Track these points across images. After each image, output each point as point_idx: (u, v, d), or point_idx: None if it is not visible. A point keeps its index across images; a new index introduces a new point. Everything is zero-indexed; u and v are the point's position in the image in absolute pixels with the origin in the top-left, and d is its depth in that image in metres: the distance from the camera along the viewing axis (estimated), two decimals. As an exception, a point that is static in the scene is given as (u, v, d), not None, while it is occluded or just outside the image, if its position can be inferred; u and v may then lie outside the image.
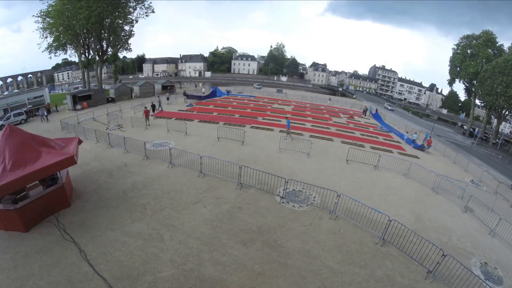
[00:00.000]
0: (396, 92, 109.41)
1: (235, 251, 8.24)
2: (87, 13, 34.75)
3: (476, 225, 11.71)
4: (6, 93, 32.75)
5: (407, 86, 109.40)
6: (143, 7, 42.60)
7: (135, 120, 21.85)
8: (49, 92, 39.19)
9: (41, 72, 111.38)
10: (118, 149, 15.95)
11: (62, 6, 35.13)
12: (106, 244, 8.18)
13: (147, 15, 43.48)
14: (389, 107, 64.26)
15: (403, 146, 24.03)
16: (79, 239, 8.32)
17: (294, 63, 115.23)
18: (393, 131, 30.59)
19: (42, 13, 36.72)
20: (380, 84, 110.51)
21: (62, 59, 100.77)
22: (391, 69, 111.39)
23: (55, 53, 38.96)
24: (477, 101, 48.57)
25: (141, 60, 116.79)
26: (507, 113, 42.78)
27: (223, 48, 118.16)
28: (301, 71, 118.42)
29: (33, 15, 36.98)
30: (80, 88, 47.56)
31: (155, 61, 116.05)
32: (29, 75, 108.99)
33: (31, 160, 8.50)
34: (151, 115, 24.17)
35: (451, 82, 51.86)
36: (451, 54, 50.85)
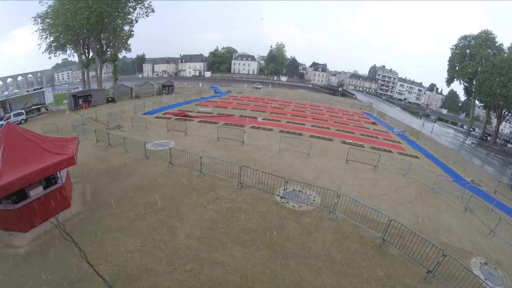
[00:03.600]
0: (396, 92, 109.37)
1: (235, 251, 8.24)
2: (87, 13, 34.76)
3: (476, 225, 11.71)
4: (6, 93, 32.71)
5: (407, 86, 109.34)
6: (143, 7, 42.61)
7: (135, 120, 21.86)
8: (53, 91, 39.30)
9: (41, 72, 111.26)
10: (118, 149, 15.95)
11: (62, 6, 35.14)
12: (106, 244, 8.18)
13: (147, 15, 43.52)
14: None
15: (403, 146, 24.06)
16: (79, 239, 8.31)
17: (294, 63, 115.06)
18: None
19: (41, 14, 36.71)
20: (380, 84, 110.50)
21: (62, 59, 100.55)
22: (391, 69, 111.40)
23: (55, 53, 39.01)
24: (477, 101, 48.51)
25: (141, 60, 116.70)
26: (507, 113, 42.73)
27: (223, 48, 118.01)
28: (301, 71, 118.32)
29: (32, 17, 37.00)
30: (80, 88, 47.53)
31: (155, 61, 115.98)
32: (29, 75, 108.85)
33: (31, 160, 8.49)
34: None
35: (449, 81, 51.78)
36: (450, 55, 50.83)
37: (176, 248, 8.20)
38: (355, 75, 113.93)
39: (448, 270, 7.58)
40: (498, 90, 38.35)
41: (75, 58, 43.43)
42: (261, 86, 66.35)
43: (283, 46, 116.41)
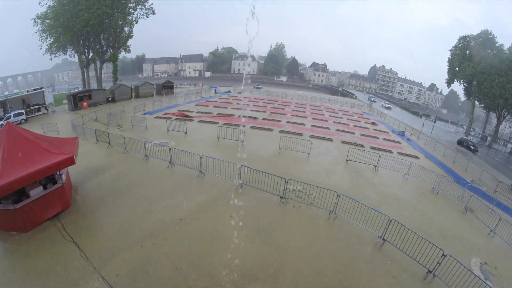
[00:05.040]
0: (396, 92, 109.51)
1: (235, 251, 8.23)
2: (87, 15, 34.80)
3: (476, 225, 11.71)
4: (6, 93, 32.68)
5: (407, 86, 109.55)
6: (143, 7, 42.57)
7: (135, 120, 21.87)
8: (53, 91, 39.22)
9: (41, 72, 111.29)
10: (118, 149, 15.95)
11: (61, 7, 35.14)
12: (106, 244, 8.18)
13: (147, 16, 43.48)
14: (386, 105, 66.37)
15: (403, 146, 24.08)
16: (78, 239, 8.32)
17: (294, 63, 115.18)
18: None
19: (40, 15, 36.65)
20: (380, 84, 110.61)
21: (62, 59, 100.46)
22: (391, 69, 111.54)
23: (55, 54, 38.98)
24: (477, 102, 48.50)
25: (141, 60, 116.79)
26: (506, 113, 42.68)
27: (223, 48, 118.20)
28: (301, 71, 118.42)
29: (32, 18, 36.85)
30: (80, 88, 47.51)
31: (155, 61, 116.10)
32: (29, 75, 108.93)
33: (31, 160, 8.49)
34: None
35: (449, 82, 51.78)
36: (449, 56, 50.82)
37: (176, 248, 8.20)
38: (355, 75, 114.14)
39: (448, 270, 7.57)
40: (498, 91, 38.29)
41: (75, 58, 43.40)
42: (261, 86, 66.47)
43: (283, 46, 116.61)
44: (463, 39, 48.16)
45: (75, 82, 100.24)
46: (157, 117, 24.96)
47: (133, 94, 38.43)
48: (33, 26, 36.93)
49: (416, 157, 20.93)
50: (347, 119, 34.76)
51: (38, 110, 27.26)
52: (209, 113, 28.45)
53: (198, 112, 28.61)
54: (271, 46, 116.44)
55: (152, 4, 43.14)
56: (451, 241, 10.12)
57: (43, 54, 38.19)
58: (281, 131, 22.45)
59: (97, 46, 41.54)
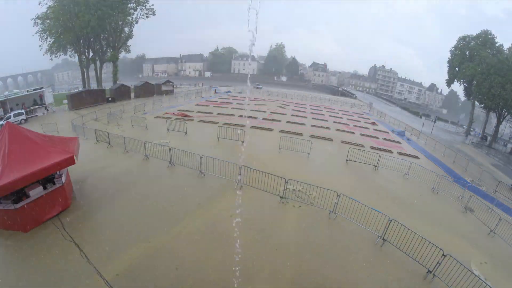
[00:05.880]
0: (396, 92, 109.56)
1: (235, 252, 8.22)
2: (88, 16, 34.86)
3: (476, 225, 11.71)
4: (6, 93, 32.65)
5: (407, 86, 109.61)
6: (144, 8, 42.57)
7: (135, 120, 21.87)
8: (53, 91, 39.19)
9: (41, 72, 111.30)
10: (117, 149, 15.95)
11: (62, 7, 35.17)
12: (106, 244, 8.17)
13: (147, 17, 43.47)
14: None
15: (403, 146, 24.07)
16: (79, 239, 8.31)
17: (294, 63, 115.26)
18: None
19: (40, 16, 36.65)
20: (380, 84, 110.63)
21: (62, 59, 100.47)
22: (391, 69, 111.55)
23: (56, 54, 39.01)
24: (477, 102, 48.49)
25: (141, 60, 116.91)
26: (506, 113, 42.66)
27: (223, 48, 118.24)
28: (301, 71, 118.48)
29: (32, 18, 36.83)
30: (80, 88, 47.51)
31: (155, 61, 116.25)
32: (29, 75, 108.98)
33: (31, 160, 8.49)
34: None
35: (449, 82, 51.79)
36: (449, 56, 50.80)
37: (176, 248, 8.20)
38: (355, 75, 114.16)
39: (448, 270, 7.57)
40: (498, 92, 38.27)
41: (75, 58, 43.41)
42: (261, 86, 66.55)
43: (283, 47, 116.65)
44: (463, 39, 48.16)
45: (75, 82, 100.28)
46: (157, 117, 24.97)
47: (133, 94, 38.43)
48: (33, 26, 36.93)
49: (416, 157, 20.92)
50: (347, 119, 34.77)
51: (35, 111, 26.93)
52: (209, 113, 28.45)
53: (198, 112, 28.62)
54: (271, 46, 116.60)
55: (152, 5, 43.20)
56: (451, 241, 10.09)
57: (44, 54, 38.25)
58: (281, 131, 22.44)
59: (97, 46, 41.56)
